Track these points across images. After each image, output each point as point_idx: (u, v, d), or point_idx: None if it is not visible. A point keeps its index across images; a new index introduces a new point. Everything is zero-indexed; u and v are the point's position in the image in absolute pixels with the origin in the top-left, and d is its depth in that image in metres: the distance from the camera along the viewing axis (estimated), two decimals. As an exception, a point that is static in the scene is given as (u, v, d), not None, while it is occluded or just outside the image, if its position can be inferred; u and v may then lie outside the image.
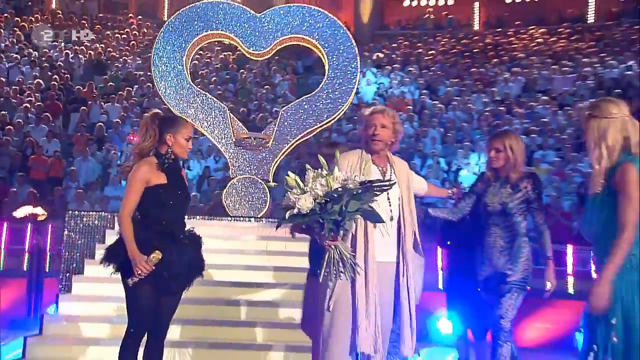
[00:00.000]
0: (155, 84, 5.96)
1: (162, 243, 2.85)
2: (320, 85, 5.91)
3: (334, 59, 5.78)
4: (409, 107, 11.19)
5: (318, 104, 5.71)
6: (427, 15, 17.53)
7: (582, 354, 2.36)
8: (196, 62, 12.16)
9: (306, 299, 3.22)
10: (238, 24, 5.92)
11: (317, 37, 5.81)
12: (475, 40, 15.46)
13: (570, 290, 6.29)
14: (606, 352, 2.18)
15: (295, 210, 2.47)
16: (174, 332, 3.71)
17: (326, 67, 5.88)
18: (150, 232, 2.86)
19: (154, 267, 2.71)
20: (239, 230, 5.34)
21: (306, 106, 5.62)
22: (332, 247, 2.61)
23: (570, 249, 6.34)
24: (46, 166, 9.03)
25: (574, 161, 8.71)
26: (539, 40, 14.63)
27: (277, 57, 11.78)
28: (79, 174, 9.07)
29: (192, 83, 5.94)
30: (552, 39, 14.46)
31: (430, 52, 14.36)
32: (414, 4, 17.96)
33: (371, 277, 2.73)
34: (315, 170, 2.51)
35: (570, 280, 6.28)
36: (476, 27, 17.40)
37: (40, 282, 6.40)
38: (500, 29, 15.97)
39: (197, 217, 5.74)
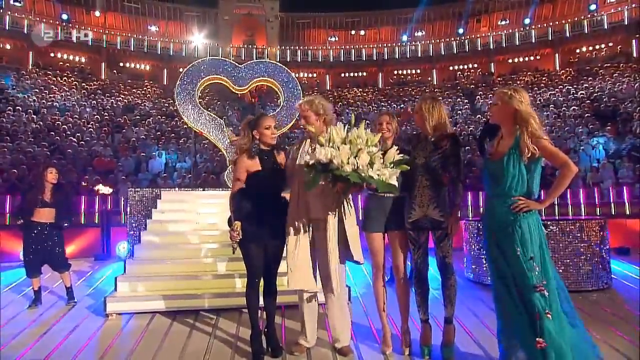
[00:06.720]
0: (178, 106, 7.23)
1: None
2: (280, 106, 7.61)
3: (286, 90, 7.54)
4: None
5: (280, 116, 7.34)
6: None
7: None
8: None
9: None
10: (227, 72, 7.40)
11: (276, 79, 7.58)
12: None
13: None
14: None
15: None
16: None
17: (281, 97, 7.60)
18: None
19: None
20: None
21: (272, 118, 6.90)
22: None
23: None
24: (104, 164, 12.21)
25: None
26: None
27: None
28: (123, 167, 12.36)
29: (200, 106, 7.31)
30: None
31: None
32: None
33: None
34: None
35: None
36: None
37: (109, 231, 8.43)
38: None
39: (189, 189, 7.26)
